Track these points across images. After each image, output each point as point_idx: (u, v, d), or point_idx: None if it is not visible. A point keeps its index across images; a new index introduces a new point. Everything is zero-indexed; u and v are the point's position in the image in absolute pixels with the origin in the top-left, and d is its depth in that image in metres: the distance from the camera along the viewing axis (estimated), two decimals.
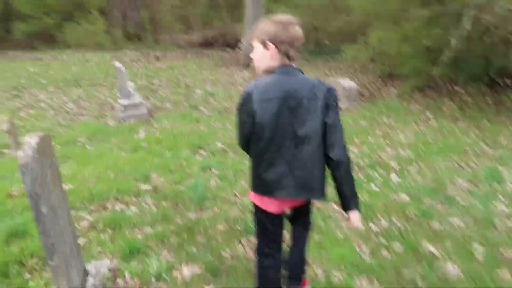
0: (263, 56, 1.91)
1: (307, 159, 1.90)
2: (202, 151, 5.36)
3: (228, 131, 6.30)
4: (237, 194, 3.97)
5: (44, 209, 2.04)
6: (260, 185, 2.01)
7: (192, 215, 3.52)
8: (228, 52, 15.62)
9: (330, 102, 1.87)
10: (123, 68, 7.11)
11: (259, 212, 2.15)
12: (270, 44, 1.86)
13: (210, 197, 3.85)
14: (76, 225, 3.30)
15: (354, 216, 1.99)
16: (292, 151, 1.90)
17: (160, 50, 16.09)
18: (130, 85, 7.39)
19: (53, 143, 5.89)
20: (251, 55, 1.99)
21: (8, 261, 2.73)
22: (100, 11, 18.74)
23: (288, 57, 1.89)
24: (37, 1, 18.39)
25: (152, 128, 6.55)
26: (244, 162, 4.85)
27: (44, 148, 2.17)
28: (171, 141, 5.62)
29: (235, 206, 3.71)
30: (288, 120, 1.85)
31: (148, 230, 3.27)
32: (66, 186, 3.99)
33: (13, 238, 3.03)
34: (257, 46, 1.93)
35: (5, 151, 5.45)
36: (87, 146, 5.65)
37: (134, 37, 17.62)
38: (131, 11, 17.88)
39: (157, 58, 13.73)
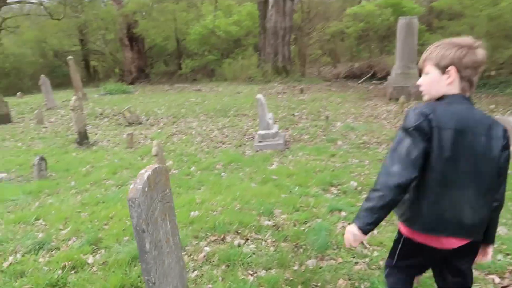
0: (438, 82, 1.73)
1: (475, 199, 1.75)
2: (333, 189, 4.95)
3: (364, 168, 5.74)
4: (366, 245, 3.43)
5: (147, 246, 1.97)
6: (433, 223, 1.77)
7: (311, 263, 3.14)
8: (374, 84, 14.89)
9: (506, 145, 1.70)
10: (263, 100, 7.27)
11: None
12: (452, 69, 1.68)
13: (334, 245, 3.40)
14: (193, 256, 3.26)
15: (491, 250, 1.94)
16: (463, 189, 1.72)
17: (305, 83, 16.35)
18: (270, 116, 7.50)
19: (193, 168, 6.33)
20: (420, 80, 1.82)
21: (124, 284, 2.80)
22: (254, 47, 20.28)
23: (471, 85, 1.72)
24: (203, 41, 20.93)
25: (286, 160, 6.44)
26: None
27: (157, 181, 2.14)
28: (302, 176, 5.37)
29: (362, 260, 3.18)
30: (463, 156, 1.66)
31: (262, 273, 3.01)
32: (194, 213, 4.08)
33: (136, 261, 3.14)
34: (432, 71, 1.75)
35: None
36: (222, 174, 5.83)
37: (282, 71, 18.39)
38: (282, 47, 18.80)
39: (301, 91, 13.93)
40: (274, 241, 3.50)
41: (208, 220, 3.90)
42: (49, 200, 4.90)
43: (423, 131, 1.63)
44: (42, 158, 5.94)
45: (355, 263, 3.15)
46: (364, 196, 4.62)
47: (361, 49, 21.20)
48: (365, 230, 1.75)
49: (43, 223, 4.13)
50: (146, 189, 2.00)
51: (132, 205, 1.93)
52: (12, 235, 3.75)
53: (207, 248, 3.38)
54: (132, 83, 20.75)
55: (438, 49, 1.73)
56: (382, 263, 3.09)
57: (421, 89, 1.81)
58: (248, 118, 9.92)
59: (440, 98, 1.73)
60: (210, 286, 2.86)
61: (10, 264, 3.18)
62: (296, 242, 3.47)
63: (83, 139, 7.89)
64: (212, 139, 8.16)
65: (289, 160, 6.42)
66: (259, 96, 7.32)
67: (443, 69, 1.70)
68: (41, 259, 3.27)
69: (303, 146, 7.21)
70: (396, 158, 1.67)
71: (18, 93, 16.27)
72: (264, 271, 3.03)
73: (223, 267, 3.10)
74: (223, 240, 3.54)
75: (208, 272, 3.04)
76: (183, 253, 3.31)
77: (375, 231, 3.67)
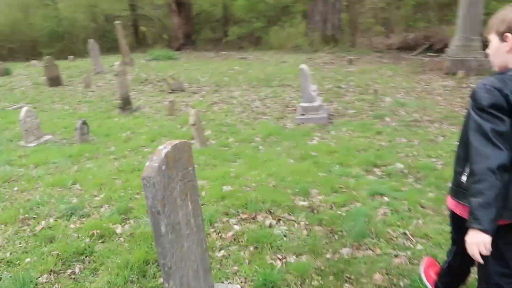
0: (499, 50, 1.65)
1: None
2: (376, 170, 4.61)
3: (413, 149, 5.30)
4: (410, 236, 3.12)
5: (163, 229, 1.81)
6: None
7: (345, 252, 2.90)
8: (430, 57, 13.83)
9: None
10: (307, 70, 6.89)
11: None
12: (510, 35, 1.60)
13: (373, 234, 3.13)
14: (222, 234, 3.13)
15: None
16: None
17: (355, 53, 15.53)
18: (313, 88, 7.12)
19: (231, 139, 6.18)
20: (487, 50, 1.75)
21: (148, 259, 2.72)
22: (303, 15, 19.47)
23: None
24: (250, 7, 20.38)
25: (328, 135, 6.11)
26: (427, 194, 3.89)
27: (177, 159, 1.95)
28: (343, 154, 5.05)
29: (403, 253, 2.89)
30: None
31: (291, 259, 2.82)
32: (227, 188, 3.93)
33: None
34: (493, 39, 1.68)
35: (192, 141, 5.91)
36: (259, 147, 5.63)
37: (330, 40, 17.56)
38: (331, 15, 17.85)
39: (350, 62, 13.22)
40: (307, 224, 3.28)
41: (240, 196, 3.73)
42: (87, 165, 4.97)
43: (502, 107, 1.52)
44: (84, 122, 6.02)
45: (395, 255, 2.87)
46: (411, 180, 4.26)
47: (418, 18, 19.72)
48: (491, 229, 1.51)
49: (79, 188, 4.17)
50: (164, 167, 1.82)
51: (147, 185, 1.76)
52: (48, 198, 3.81)
53: (236, 227, 3.23)
54: (178, 49, 20.77)
55: (499, 14, 1.66)
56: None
57: (490, 59, 1.74)
58: (292, 89, 9.56)
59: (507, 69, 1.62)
60: (236, 268, 2.72)
61: (43, 228, 3.21)
62: (331, 227, 3.23)
63: (125, 104, 7.96)
64: (253, 110, 7.94)
65: (331, 135, 6.09)
66: (303, 66, 6.94)
67: (501, 36, 1.63)
68: (72, 225, 3.28)
69: (348, 122, 6.81)
70: (485, 139, 1.51)
71: (70, 56, 16.79)
72: (294, 257, 2.84)
73: (251, 248, 2.93)
74: (254, 219, 3.37)
75: (235, 253, 2.89)
76: (211, 229, 3.19)
77: (420, 221, 3.35)
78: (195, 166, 4.80)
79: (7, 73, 12.25)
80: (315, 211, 3.51)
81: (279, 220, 3.35)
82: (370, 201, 3.70)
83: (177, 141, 1.99)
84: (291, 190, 3.92)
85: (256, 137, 6.08)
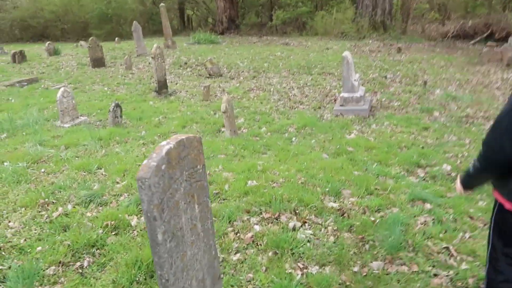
0: None
1: None
2: (419, 171, 4.17)
3: (463, 148, 4.79)
4: (453, 252, 2.73)
5: (160, 237, 1.59)
6: None
7: (376, 266, 2.57)
8: (489, 47, 12.70)
9: None
10: (350, 58, 6.43)
11: None
12: None
13: (410, 246, 2.77)
14: (240, 235, 2.89)
15: None
16: None
17: (405, 41, 14.62)
18: (356, 77, 6.66)
19: (263, 129, 5.90)
20: None
21: None
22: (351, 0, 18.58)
23: None
24: None
25: (367, 129, 5.68)
26: (477, 202, 3.43)
27: (182, 156, 1.71)
28: (383, 151, 4.64)
29: (445, 273, 2.51)
30: None
31: (313, 269, 2.53)
32: (252, 183, 3.68)
33: None
34: None
35: (223, 129, 5.71)
36: (292, 139, 5.32)
37: (379, 26, 16.65)
38: (382, 0, 16.88)
39: (399, 50, 12.43)
40: (335, 230, 2.97)
41: (265, 192, 3.47)
42: (116, 149, 4.89)
43: None
44: (117, 105, 5.98)
45: (434, 275, 2.50)
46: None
47: (478, 4, 18.23)
48: None
49: (104, 173, 4.08)
50: (164, 167, 1.59)
51: (142, 187, 1.54)
52: (71, 182, 3.74)
53: (257, 227, 2.98)
54: (222, 33, 20.61)
55: None
56: (471, 281, 2.41)
57: None
58: (333, 78, 9.08)
59: None
60: (251, 276, 2.48)
61: (59, 215, 3.13)
62: (362, 235, 2.90)
63: (162, 88, 7.88)
64: (290, 98, 7.60)
65: (371, 129, 5.65)
66: (346, 53, 6.48)
67: None
68: (88, 213, 3.17)
69: (391, 115, 6.32)
70: None
71: (116, 38, 17.10)
72: (317, 267, 2.55)
73: (270, 253, 2.68)
74: (277, 219, 3.10)
75: (252, 257, 2.64)
76: (230, 228, 2.96)
77: (466, 234, 2.94)
78: (222, 156, 4.60)
79: (56, 53, 12.63)
80: (345, 214, 3.18)
81: (304, 222, 3.06)
82: (409, 207, 3.31)
83: (183, 136, 1.75)
84: (321, 188, 3.60)
85: (290, 128, 5.77)
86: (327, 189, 3.57)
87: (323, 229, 2.99)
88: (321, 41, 15.71)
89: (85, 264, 2.59)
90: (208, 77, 9.67)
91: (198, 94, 8.06)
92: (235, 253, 2.68)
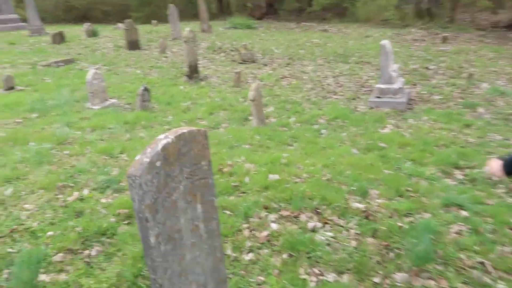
0: None
1: None
2: (457, 173, 3.83)
3: (509, 149, 4.36)
4: (490, 268, 2.44)
5: (152, 240, 1.45)
6: None
7: (400, 278, 2.34)
8: None
9: None
10: (389, 47, 6.04)
11: None
12: None
13: (440, 258, 2.50)
14: (255, 233, 2.73)
15: None
16: None
17: (452, 30, 13.74)
18: (394, 68, 6.26)
19: (292, 119, 5.67)
20: None
21: None
22: None
23: None
24: None
25: (403, 124, 5.33)
26: None
27: (183, 152, 1.56)
28: (418, 148, 4.31)
29: None
30: None
31: (330, 276, 2.34)
32: (273, 177, 3.50)
33: None
34: None
35: (250, 117, 5.54)
36: (322, 131, 5.07)
37: (425, 14, 15.75)
38: None
39: (444, 40, 11.68)
40: (358, 234, 2.75)
41: (286, 188, 3.29)
42: (140, 133, 4.85)
43: None
44: (146, 89, 5.93)
45: None
46: (501, 191, 3.45)
47: None
48: None
49: (125, 158, 4.03)
50: (159, 163, 1.44)
51: (132, 185, 1.40)
52: (91, 166, 3.71)
53: (274, 225, 2.81)
54: (260, 18, 20.29)
55: None
56: None
57: None
58: (371, 68, 8.65)
59: None
60: (262, 279, 2.32)
61: (75, 200, 3.09)
62: (387, 241, 2.66)
63: (193, 72, 7.79)
64: (324, 88, 7.29)
65: (407, 124, 5.29)
66: (385, 42, 6.09)
67: None
68: (103, 200, 3.12)
69: (430, 109, 5.90)
70: None
71: (154, 21, 17.19)
72: (334, 275, 2.35)
73: (285, 255, 2.50)
74: (296, 218, 2.92)
75: (265, 258, 2.48)
76: (245, 225, 2.81)
77: (506, 249, 2.63)
78: (247, 146, 4.43)
79: (94, 34, 12.84)
80: (370, 217, 2.94)
81: (325, 223, 2.86)
82: (442, 213, 3.02)
83: (185, 129, 1.59)
84: (346, 187, 3.37)
85: (321, 119, 5.51)
86: (353, 188, 3.33)
87: (345, 232, 2.77)
88: (361, 28, 15.10)
89: (93, 253, 2.52)
90: (241, 63, 9.49)
91: (229, 80, 7.91)
92: (248, 253, 2.53)
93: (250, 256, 2.50)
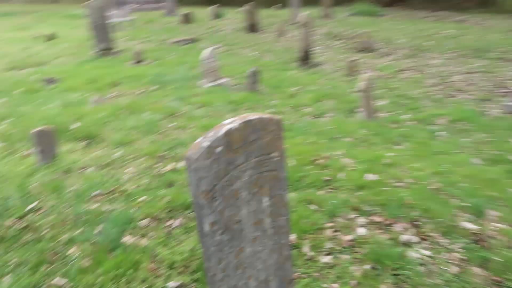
0: None
1: None
2: None
3: None
4: None
5: (206, 228, 1.36)
6: None
7: None
8: None
9: None
10: None
11: None
12: None
13: None
14: (338, 234, 2.49)
15: None
16: None
17: None
18: None
19: (406, 116, 5.11)
20: None
21: None
22: None
23: None
24: None
25: None
26: None
27: (250, 140, 1.43)
28: None
29: None
30: None
31: None
32: (371, 177, 3.18)
33: None
34: None
35: (359, 110, 5.17)
36: (439, 133, 4.47)
37: None
38: None
39: None
40: (463, 260, 2.31)
41: (384, 191, 2.95)
42: (243, 114, 4.87)
43: None
44: (255, 71, 5.96)
45: None
46: None
47: None
48: None
49: None
50: (219, 149, 1.32)
51: (190, 167, 1.31)
52: (191, 140, 3.81)
53: (361, 230, 2.53)
54: (387, 5, 18.98)
55: None
56: None
57: None
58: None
59: None
60: (336, 286, 2.09)
61: (169, 170, 3.22)
62: (500, 276, 2.18)
63: (305, 58, 7.60)
64: (449, 85, 6.45)
65: None
66: None
67: None
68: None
69: None
70: None
71: (278, 5, 17.33)
72: None
73: (367, 266, 2.22)
74: (388, 227, 2.59)
75: (343, 265, 2.24)
76: (328, 224, 2.59)
77: None
78: (348, 139, 4.14)
79: (218, 16, 13.48)
80: (483, 243, 2.45)
81: (423, 239, 2.48)
82: None
83: (255, 116, 1.45)
84: (458, 201, 2.88)
85: (440, 119, 4.86)
86: (466, 204, 2.83)
87: (445, 254, 2.36)
88: (508, 20, 13.04)
89: (176, 223, 2.58)
90: (358, 52, 8.97)
91: (342, 68, 7.52)
92: (326, 255, 2.32)
93: (328, 258, 2.29)
